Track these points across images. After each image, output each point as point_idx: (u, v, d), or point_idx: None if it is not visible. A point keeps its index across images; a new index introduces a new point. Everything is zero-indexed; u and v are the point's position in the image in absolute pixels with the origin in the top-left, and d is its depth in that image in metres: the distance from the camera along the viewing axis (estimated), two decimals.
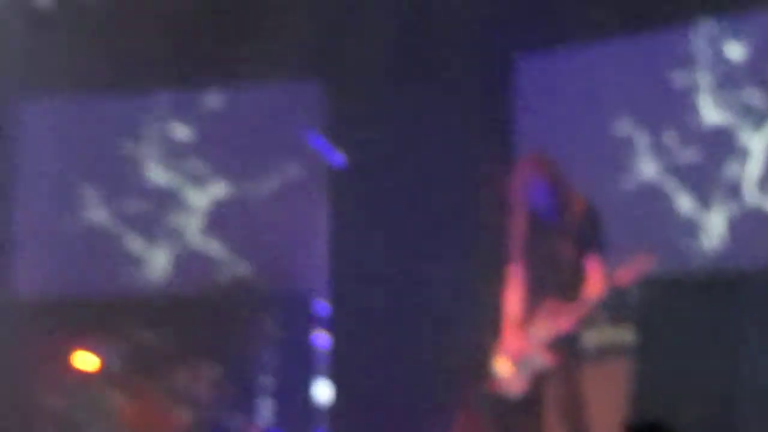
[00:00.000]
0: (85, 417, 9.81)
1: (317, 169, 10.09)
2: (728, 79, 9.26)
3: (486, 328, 8.58)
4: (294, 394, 9.75)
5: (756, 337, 8.29)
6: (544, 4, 9.94)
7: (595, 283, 7.71)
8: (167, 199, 11.11)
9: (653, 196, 9.74)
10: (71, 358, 9.99)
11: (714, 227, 9.55)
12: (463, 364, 9.18)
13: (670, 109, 9.65)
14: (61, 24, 10.70)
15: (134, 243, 11.09)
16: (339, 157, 9.73)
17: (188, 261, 10.96)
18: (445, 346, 9.65)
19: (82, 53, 10.43)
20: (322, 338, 9.74)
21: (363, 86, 10.13)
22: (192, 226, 11.02)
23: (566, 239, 7.88)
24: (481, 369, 8.45)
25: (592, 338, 8.49)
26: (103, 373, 9.87)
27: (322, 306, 9.82)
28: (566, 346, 7.78)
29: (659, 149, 9.67)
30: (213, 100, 11.04)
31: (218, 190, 11.02)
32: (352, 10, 10.14)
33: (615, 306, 8.51)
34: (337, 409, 9.65)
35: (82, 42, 10.46)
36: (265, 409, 9.65)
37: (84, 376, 9.94)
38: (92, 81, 10.91)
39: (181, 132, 11.25)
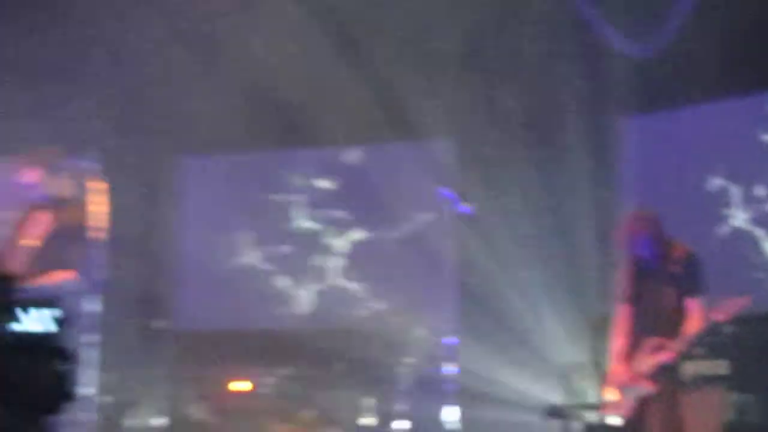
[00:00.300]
0: None
1: (446, 219, 10.24)
2: None
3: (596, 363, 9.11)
4: (424, 415, 10.08)
5: None
6: (647, 72, 10.49)
7: (694, 321, 7.99)
8: (312, 243, 11.86)
9: (744, 242, 10.24)
10: (228, 384, 10.88)
11: None
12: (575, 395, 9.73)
13: (758, 165, 10.20)
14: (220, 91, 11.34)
15: (282, 282, 11.88)
16: (466, 207, 9.79)
17: (330, 298, 11.67)
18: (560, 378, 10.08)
19: (243, 114, 11.12)
20: (449, 368, 9.93)
21: (488, 145, 10.75)
22: (334, 266, 11.75)
23: (668, 283, 8.14)
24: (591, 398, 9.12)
25: (690, 369, 8.52)
26: (255, 396, 10.70)
27: (452, 340, 10.11)
28: (667, 377, 8.01)
29: (749, 200, 10.27)
30: (354, 156, 11.82)
31: (357, 235, 11.75)
32: (479, 83, 10.70)
33: (711, 341, 8.72)
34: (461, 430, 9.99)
35: (244, 105, 11.13)
36: (400, 428, 10.26)
37: (239, 400, 10.74)
38: (247, 140, 11.70)
39: (325, 184, 11.97)
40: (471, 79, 10.90)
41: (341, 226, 12.01)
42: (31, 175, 9.02)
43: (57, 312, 6.06)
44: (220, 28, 11.57)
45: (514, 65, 10.83)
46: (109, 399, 10.04)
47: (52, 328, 5.99)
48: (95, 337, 8.95)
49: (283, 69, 11.24)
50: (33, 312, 5.85)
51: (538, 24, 10.88)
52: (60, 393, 6.22)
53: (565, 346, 10.30)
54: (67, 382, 6.46)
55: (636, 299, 8.35)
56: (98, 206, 8.97)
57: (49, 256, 8.22)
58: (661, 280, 8.23)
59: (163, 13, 11.23)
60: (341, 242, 12.03)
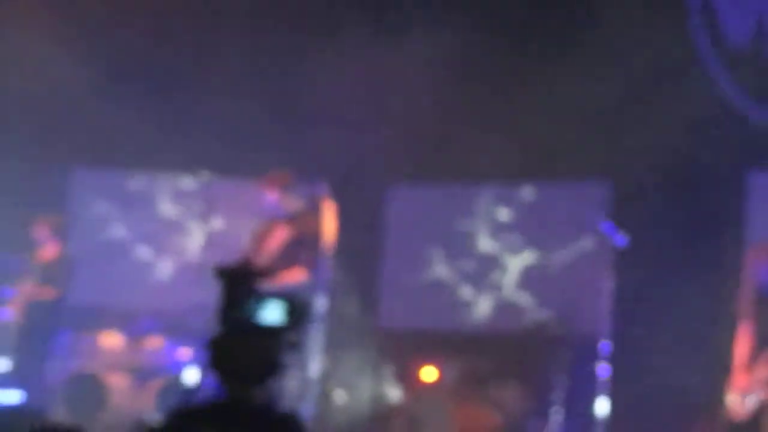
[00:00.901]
0: (427, 415, 10.82)
1: (604, 246, 10.72)
2: None
3: (722, 371, 9.12)
4: (580, 409, 10.60)
5: None
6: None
7: None
8: (491, 262, 12.51)
9: None
10: (419, 371, 11.42)
11: None
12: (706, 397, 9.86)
13: None
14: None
15: (466, 292, 12.53)
16: (622, 239, 10.32)
17: (505, 308, 12.32)
18: (693, 382, 10.27)
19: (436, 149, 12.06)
20: (603, 369, 10.37)
21: (639, 186, 11.19)
22: (508, 282, 12.40)
23: None
24: (718, 401, 9.19)
25: None
26: (441, 384, 11.28)
27: (605, 344, 10.41)
28: None
29: None
30: (528, 192, 12.39)
31: (529, 257, 12.34)
32: (634, 130, 11.15)
33: None
34: (612, 425, 10.33)
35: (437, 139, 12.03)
36: (557, 419, 10.62)
37: (427, 385, 11.36)
38: (440, 172, 12.48)
39: (504, 214, 12.45)
40: (628, 126, 11.32)
41: (515, 250, 12.46)
42: (271, 194, 9.83)
43: (291, 305, 7.88)
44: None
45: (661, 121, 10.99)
46: (327, 378, 10.81)
47: (287, 319, 7.87)
48: (320, 327, 9.81)
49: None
50: (271, 304, 7.49)
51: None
52: (278, 371, 7.19)
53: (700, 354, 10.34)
54: (285, 363, 7.56)
55: (756, 317, 8.73)
56: (327, 221, 9.73)
57: (285, 260, 9.18)
58: None
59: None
60: (515, 262, 12.46)
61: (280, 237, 9.63)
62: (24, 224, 11.36)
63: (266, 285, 6.36)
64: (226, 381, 4.92)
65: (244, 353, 5.08)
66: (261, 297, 5.60)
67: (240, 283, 5.73)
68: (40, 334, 11.00)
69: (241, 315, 5.45)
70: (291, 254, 9.38)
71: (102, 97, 11.54)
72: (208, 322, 5.18)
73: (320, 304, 9.69)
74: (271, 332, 5.60)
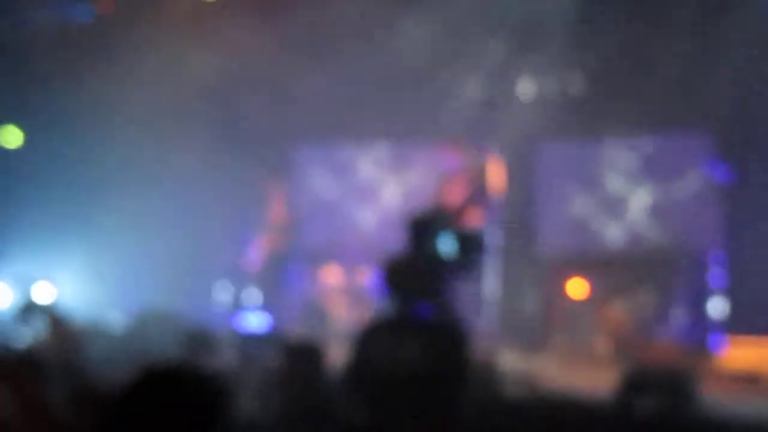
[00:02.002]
0: (581, 318, 11.51)
1: (714, 181, 11.35)
2: None
3: None
4: (698, 312, 11.22)
5: None
6: None
7: None
8: (622, 198, 12.70)
9: None
10: (571, 285, 11.99)
11: None
12: None
13: None
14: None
15: (604, 223, 12.76)
16: (729, 175, 11.04)
17: (635, 233, 12.55)
18: None
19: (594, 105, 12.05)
20: (717, 278, 11.07)
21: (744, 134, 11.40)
22: (637, 213, 12.61)
23: None
24: None
25: None
26: (591, 295, 11.81)
27: (719, 258, 11.04)
28: None
29: None
30: (646, 141, 12.61)
31: (653, 192, 12.56)
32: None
33: None
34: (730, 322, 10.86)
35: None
36: (680, 320, 11.21)
37: (573, 300, 11.97)
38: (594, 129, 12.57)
39: (631, 160, 12.75)
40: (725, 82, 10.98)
41: (639, 186, 12.64)
42: (452, 155, 10.20)
43: (464, 240, 7.83)
44: None
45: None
46: (500, 294, 11.40)
47: (461, 250, 7.80)
48: (494, 256, 10.56)
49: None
50: (449, 240, 7.56)
51: None
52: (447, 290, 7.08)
53: None
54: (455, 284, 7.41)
55: None
56: (495, 174, 10.25)
57: (464, 206, 9.36)
58: None
59: None
60: (641, 197, 12.61)
61: (458, 188, 9.88)
62: (258, 189, 12.20)
63: (449, 226, 7.70)
64: (397, 297, 5.54)
65: (418, 275, 5.76)
66: (441, 235, 6.98)
67: (425, 225, 7.03)
68: (278, 272, 11.88)
69: (425, 250, 6.77)
70: (468, 201, 9.58)
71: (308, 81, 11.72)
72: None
73: (493, 238, 10.27)
74: (447, 260, 6.95)
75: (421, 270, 5.90)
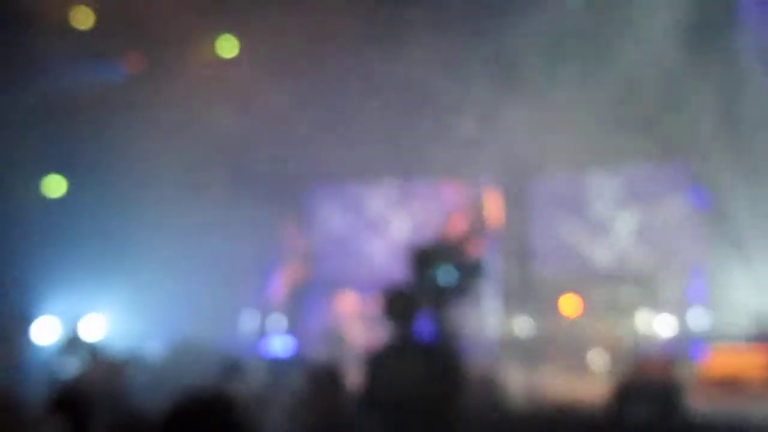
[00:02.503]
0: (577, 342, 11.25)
1: (692, 206, 11.30)
2: None
3: None
4: (682, 320, 11.13)
5: None
6: None
7: None
8: (609, 222, 12.64)
9: None
10: (566, 302, 11.84)
11: None
12: None
13: None
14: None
15: (591, 245, 12.64)
16: (702, 200, 10.99)
17: (623, 254, 12.45)
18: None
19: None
20: (696, 290, 11.06)
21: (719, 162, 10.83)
22: (623, 235, 12.51)
23: None
24: None
25: None
26: (584, 312, 11.68)
27: (698, 273, 10.94)
28: None
29: None
30: (630, 170, 12.50)
31: (638, 216, 12.45)
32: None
33: None
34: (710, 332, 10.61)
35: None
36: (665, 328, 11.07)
37: (568, 318, 11.83)
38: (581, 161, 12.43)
39: (615, 189, 12.62)
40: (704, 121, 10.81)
41: (625, 211, 12.55)
42: (452, 193, 10.62)
43: (464, 270, 7.93)
44: None
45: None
46: (504, 314, 11.29)
47: (460, 279, 7.90)
48: (495, 280, 10.54)
49: None
50: (449, 270, 7.60)
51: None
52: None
53: None
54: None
55: None
56: (492, 208, 10.41)
57: (466, 239, 9.40)
58: None
59: None
60: (625, 220, 12.56)
61: (461, 222, 10.10)
62: (278, 226, 12.37)
63: (450, 257, 7.70)
64: (397, 323, 5.67)
65: (414, 303, 5.83)
66: (442, 265, 6.99)
67: (426, 257, 7.09)
68: (299, 301, 12.01)
69: (427, 279, 6.87)
70: (468, 232, 9.75)
71: (320, 128, 11.89)
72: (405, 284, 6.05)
73: (493, 264, 10.28)
74: (447, 289, 6.96)
75: (416, 298, 5.93)
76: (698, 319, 11.04)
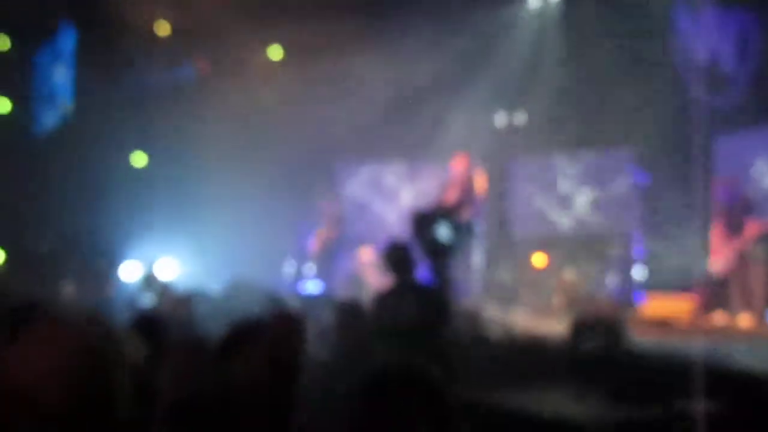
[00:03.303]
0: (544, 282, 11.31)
1: (634, 184, 11.21)
2: None
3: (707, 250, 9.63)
4: (626, 276, 10.99)
5: None
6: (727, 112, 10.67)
7: (756, 228, 9.22)
8: (569, 196, 12.48)
9: None
10: (534, 258, 11.77)
11: None
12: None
13: None
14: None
15: (557, 213, 12.52)
16: (641, 179, 10.91)
17: (580, 221, 12.38)
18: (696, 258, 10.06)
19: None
20: (639, 251, 10.90)
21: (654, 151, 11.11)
22: (581, 207, 12.42)
23: (740, 211, 9.42)
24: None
25: (754, 252, 9.26)
26: (550, 266, 11.59)
27: (639, 237, 11.12)
28: (740, 256, 9.25)
29: None
30: (587, 156, 12.43)
31: (592, 192, 12.38)
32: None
33: (761, 240, 9.25)
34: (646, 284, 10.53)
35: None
36: (614, 281, 11.03)
37: (541, 268, 11.71)
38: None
39: (573, 168, 12.54)
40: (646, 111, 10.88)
41: (582, 187, 12.50)
42: (453, 167, 10.07)
43: (458, 228, 7.89)
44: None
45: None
46: (488, 266, 11.15)
47: (462, 235, 7.87)
48: (480, 240, 10.32)
49: None
50: (452, 228, 7.57)
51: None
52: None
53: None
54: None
55: (725, 218, 9.45)
56: (480, 181, 9.98)
57: (458, 206, 9.07)
58: (736, 210, 9.47)
59: None
60: (584, 195, 12.49)
61: (455, 190, 9.83)
62: (314, 195, 12.24)
63: (446, 220, 7.57)
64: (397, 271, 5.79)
65: (409, 256, 5.94)
66: (438, 226, 6.94)
67: (427, 219, 7.15)
68: (330, 254, 11.85)
69: (426, 236, 6.85)
70: (461, 201, 9.47)
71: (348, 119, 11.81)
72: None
73: (480, 226, 10.11)
74: (443, 245, 6.92)
75: (415, 252, 5.98)
76: (638, 273, 10.82)
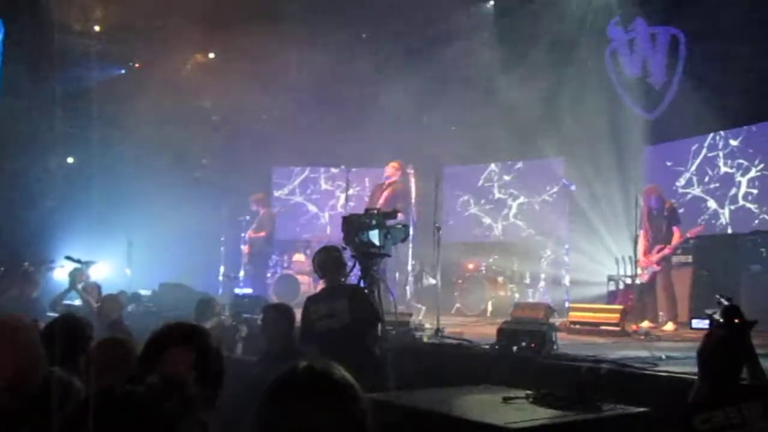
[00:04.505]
0: (473, 287, 11.11)
1: (565, 192, 11.04)
2: None
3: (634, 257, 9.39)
4: (558, 279, 10.96)
5: None
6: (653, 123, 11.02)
7: (677, 237, 9.40)
8: (501, 203, 12.82)
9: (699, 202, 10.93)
10: (464, 265, 11.69)
11: (723, 216, 10.51)
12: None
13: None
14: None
15: (488, 220, 12.76)
16: (571, 188, 10.65)
17: (510, 228, 12.51)
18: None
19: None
20: (566, 259, 10.68)
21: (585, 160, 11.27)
22: (512, 214, 12.65)
23: (664, 219, 9.53)
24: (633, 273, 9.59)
25: (675, 259, 9.69)
26: (479, 271, 11.50)
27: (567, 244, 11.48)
28: (665, 262, 9.47)
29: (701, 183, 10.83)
30: (519, 165, 12.75)
31: (522, 200, 12.61)
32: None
33: (684, 246, 9.67)
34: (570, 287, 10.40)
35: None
36: (543, 284, 11.08)
37: (472, 271, 11.54)
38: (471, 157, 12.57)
39: (507, 177, 12.75)
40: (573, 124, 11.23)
41: (514, 196, 12.83)
42: (386, 171, 10.19)
43: (397, 232, 7.12)
44: None
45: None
46: (417, 270, 11.06)
47: (394, 239, 7.19)
48: (411, 242, 9.96)
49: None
50: (376, 232, 6.98)
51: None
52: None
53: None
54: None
55: (650, 226, 9.56)
56: (413, 185, 10.09)
57: (389, 206, 8.91)
58: (661, 218, 9.58)
59: None
60: (514, 203, 12.81)
61: (386, 194, 9.96)
62: (244, 197, 12.10)
63: (378, 224, 7.16)
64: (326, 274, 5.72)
65: (339, 260, 5.87)
66: (371, 228, 6.59)
67: (359, 223, 6.74)
68: (260, 257, 11.80)
69: (358, 240, 6.49)
70: (392, 201, 9.59)
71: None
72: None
73: (411, 230, 9.51)
74: (375, 248, 6.53)
75: (342, 254, 5.99)
76: (566, 277, 10.82)
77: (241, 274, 11.61)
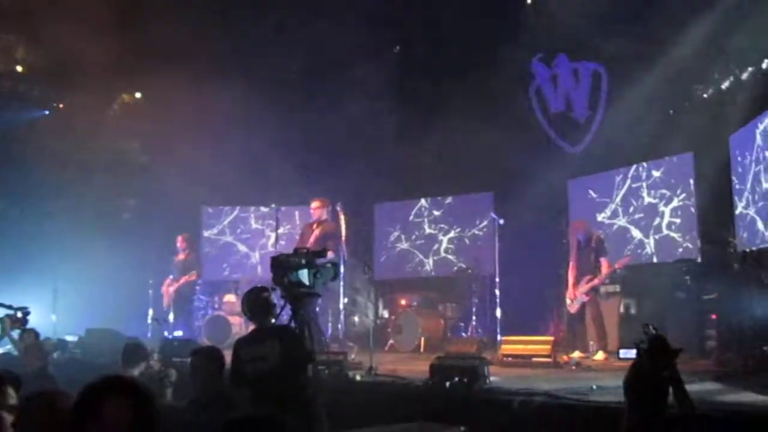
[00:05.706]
0: (405, 323, 10.87)
1: (493, 226, 10.70)
2: None
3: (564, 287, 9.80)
4: (488, 316, 10.81)
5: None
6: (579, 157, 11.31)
7: (605, 268, 9.52)
8: (432, 238, 12.80)
9: (625, 233, 11.11)
10: (398, 300, 11.68)
11: (648, 245, 10.67)
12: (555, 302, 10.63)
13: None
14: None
15: (420, 256, 12.72)
16: (500, 222, 10.34)
17: (441, 263, 12.53)
18: (549, 295, 10.88)
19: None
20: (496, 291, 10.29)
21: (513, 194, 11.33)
22: (443, 248, 12.71)
23: (592, 251, 9.66)
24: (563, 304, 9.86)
25: (603, 289, 9.80)
26: (411, 307, 11.35)
27: (497, 279, 10.58)
28: (594, 293, 9.55)
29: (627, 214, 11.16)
30: (449, 200, 12.74)
31: (453, 234, 12.69)
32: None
33: (612, 277, 9.71)
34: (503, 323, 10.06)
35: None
36: (474, 322, 11.00)
37: (404, 308, 11.44)
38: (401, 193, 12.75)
39: (437, 212, 12.77)
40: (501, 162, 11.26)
41: (445, 231, 12.79)
42: (313, 211, 10.07)
43: (318, 271, 7.52)
44: None
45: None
46: (349, 308, 10.92)
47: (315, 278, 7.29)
48: (343, 281, 9.90)
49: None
50: (305, 271, 6.69)
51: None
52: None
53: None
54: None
55: (578, 258, 9.72)
56: (342, 223, 9.94)
57: (319, 245, 8.69)
58: (589, 249, 9.70)
59: None
60: (445, 237, 12.77)
61: (315, 233, 9.86)
62: (173, 239, 11.82)
63: (307, 263, 6.76)
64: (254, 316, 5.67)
65: (267, 301, 5.72)
66: (300, 267, 6.28)
67: (288, 263, 6.35)
68: (188, 299, 11.62)
69: (286, 280, 6.13)
70: (322, 241, 9.41)
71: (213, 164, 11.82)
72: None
73: (342, 268, 9.63)
74: (304, 288, 6.19)
75: (271, 295, 5.87)
76: (497, 310, 10.54)
77: (170, 317, 11.37)
